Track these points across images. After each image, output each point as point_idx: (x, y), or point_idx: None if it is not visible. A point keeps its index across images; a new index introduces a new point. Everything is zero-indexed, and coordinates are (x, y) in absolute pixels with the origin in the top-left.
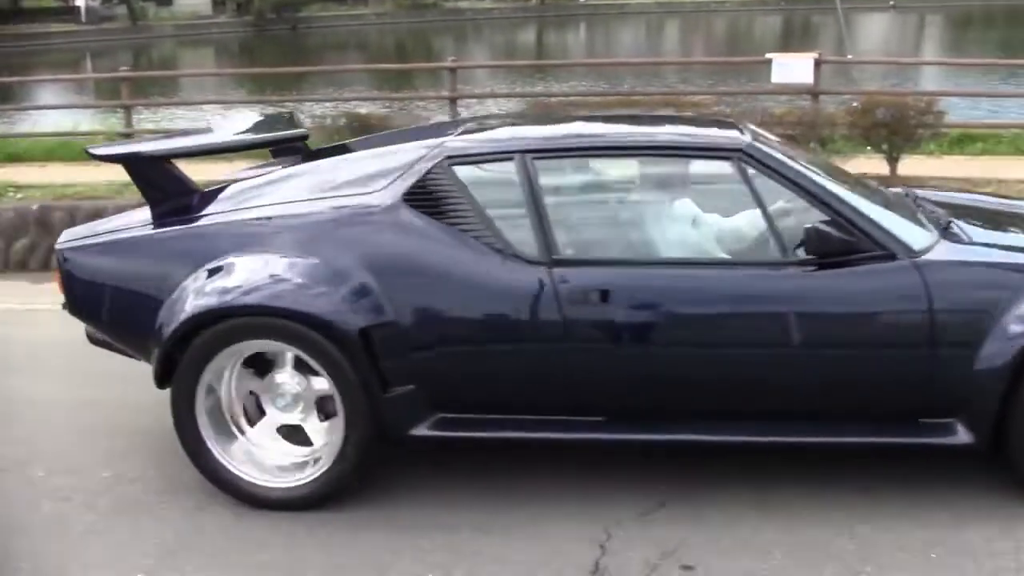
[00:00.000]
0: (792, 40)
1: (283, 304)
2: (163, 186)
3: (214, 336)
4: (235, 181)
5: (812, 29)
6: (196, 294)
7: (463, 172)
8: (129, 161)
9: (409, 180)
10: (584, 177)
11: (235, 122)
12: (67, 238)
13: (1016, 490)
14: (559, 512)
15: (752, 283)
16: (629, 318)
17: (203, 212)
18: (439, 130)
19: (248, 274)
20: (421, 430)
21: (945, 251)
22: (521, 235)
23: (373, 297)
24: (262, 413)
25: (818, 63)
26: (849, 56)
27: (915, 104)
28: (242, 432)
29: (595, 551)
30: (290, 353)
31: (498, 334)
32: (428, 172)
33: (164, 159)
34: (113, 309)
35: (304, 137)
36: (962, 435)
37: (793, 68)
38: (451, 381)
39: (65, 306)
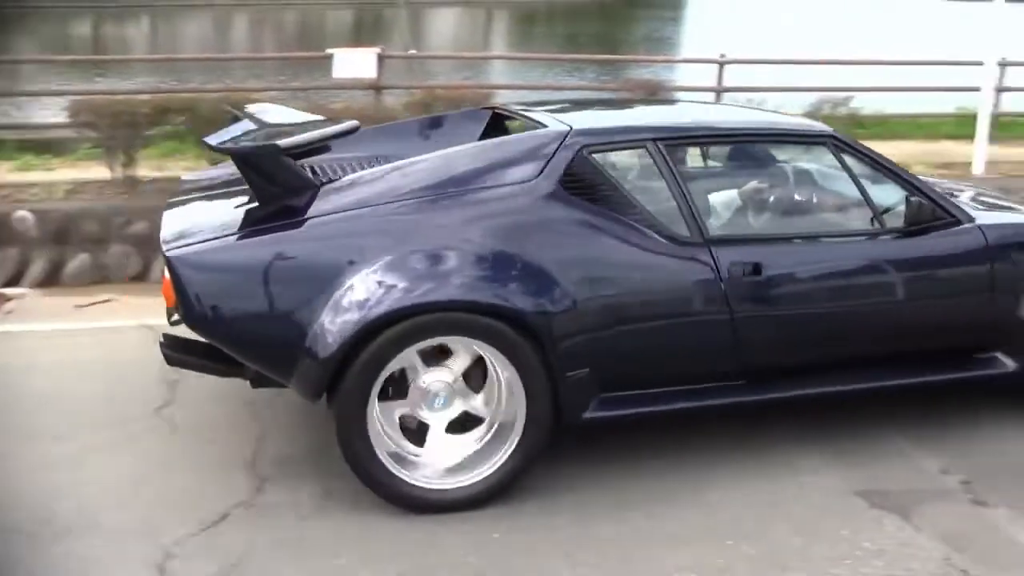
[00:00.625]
0: (364, 34)
1: (475, 297)
2: (284, 181)
3: (395, 336)
4: (328, 182)
5: (384, 24)
6: (372, 294)
7: (600, 159)
8: (261, 155)
9: (558, 168)
10: (709, 162)
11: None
12: (178, 241)
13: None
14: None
15: (871, 250)
16: (779, 287)
17: (334, 208)
18: (478, 118)
19: (426, 269)
20: (592, 412)
21: (989, 218)
22: (672, 217)
23: (552, 284)
24: (422, 430)
25: (381, 58)
26: (412, 51)
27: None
28: (416, 456)
29: None
30: (424, 350)
31: (664, 311)
32: (572, 160)
33: (286, 152)
34: (247, 317)
35: (355, 129)
36: (1008, 364)
37: (355, 63)
38: (619, 360)
39: (179, 318)
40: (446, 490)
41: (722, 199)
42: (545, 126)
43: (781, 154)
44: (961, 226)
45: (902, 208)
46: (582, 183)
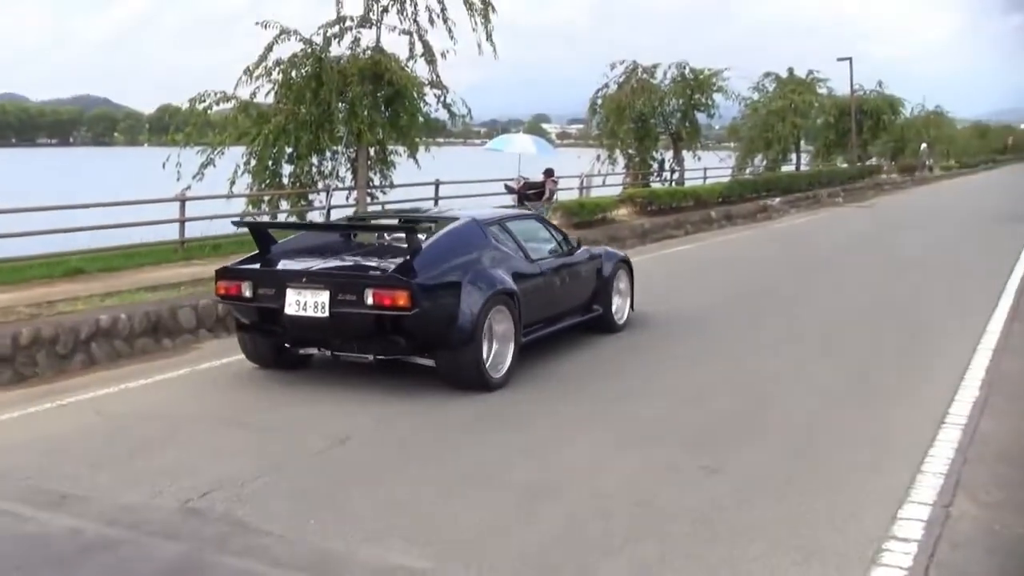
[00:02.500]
0: None
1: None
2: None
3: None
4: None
5: None
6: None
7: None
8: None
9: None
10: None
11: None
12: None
13: None
14: None
15: (561, 260)
16: (545, 277)
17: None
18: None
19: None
20: (525, 337)
21: (586, 248)
22: (521, 251)
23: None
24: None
25: None
26: None
27: None
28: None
29: None
30: None
31: (530, 288)
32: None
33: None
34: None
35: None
36: (599, 309)
37: None
38: (527, 314)
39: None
40: (495, 377)
41: (527, 244)
42: (457, 219)
43: (529, 226)
44: (579, 249)
45: (563, 244)
46: (498, 238)
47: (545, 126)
